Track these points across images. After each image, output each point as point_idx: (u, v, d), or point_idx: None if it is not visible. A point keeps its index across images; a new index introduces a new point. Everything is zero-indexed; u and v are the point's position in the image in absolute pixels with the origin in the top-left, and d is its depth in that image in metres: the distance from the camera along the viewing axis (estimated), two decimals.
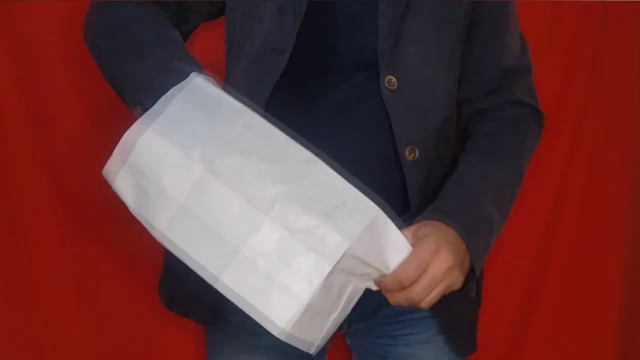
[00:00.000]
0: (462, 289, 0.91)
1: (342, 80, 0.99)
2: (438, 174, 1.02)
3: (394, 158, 0.99)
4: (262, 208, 0.80)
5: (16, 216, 1.33)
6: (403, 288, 0.85)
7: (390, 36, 0.96)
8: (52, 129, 1.32)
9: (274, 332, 0.81)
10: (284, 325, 0.81)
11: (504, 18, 1.09)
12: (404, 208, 0.98)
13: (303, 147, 0.82)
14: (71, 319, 1.37)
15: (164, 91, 0.84)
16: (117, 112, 1.31)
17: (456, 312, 1.10)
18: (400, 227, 0.84)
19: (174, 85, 0.84)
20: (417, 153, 0.99)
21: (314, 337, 0.85)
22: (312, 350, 0.86)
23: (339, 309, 0.85)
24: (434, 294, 0.86)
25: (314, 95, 0.99)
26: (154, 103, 0.84)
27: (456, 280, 0.88)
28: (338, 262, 0.79)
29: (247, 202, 0.80)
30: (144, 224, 0.86)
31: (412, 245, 0.85)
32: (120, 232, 1.35)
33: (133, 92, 0.90)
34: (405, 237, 0.85)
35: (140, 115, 0.85)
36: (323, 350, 1.19)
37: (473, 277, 0.93)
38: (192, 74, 0.85)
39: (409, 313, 1.10)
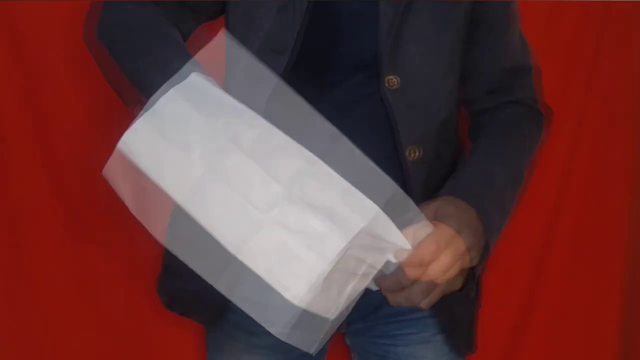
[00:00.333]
0: (472, 270, 0.92)
1: (343, 80, 0.99)
2: (438, 174, 1.02)
3: (394, 158, 0.99)
4: (261, 209, 0.81)
5: (16, 216, 1.33)
6: (403, 288, 0.85)
7: (390, 36, 0.96)
8: (52, 129, 1.32)
9: (289, 298, 0.82)
10: (297, 299, 0.82)
11: (505, 18, 1.09)
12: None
13: (302, 146, 0.82)
14: (71, 319, 1.37)
15: (163, 90, 0.84)
16: (117, 112, 1.31)
17: (456, 312, 1.10)
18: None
19: (172, 84, 0.84)
20: (418, 153, 0.99)
21: (313, 336, 0.86)
22: (312, 350, 0.87)
23: (339, 308, 0.86)
24: (434, 295, 0.86)
25: (314, 95, 0.99)
26: (152, 102, 0.84)
27: (455, 282, 0.89)
28: (337, 263, 0.80)
29: (247, 202, 0.81)
30: (143, 224, 0.86)
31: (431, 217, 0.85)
32: (120, 232, 1.35)
33: (132, 92, 0.90)
34: (426, 214, 0.85)
35: (139, 114, 0.85)
36: (322, 351, 1.19)
37: (483, 262, 0.93)
38: (192, 74, 0.85)
39: (408, 313, 1.10)
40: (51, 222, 1.34)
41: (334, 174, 0.81)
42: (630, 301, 1.43)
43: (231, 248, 0.83)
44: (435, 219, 0.86)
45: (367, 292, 1.03)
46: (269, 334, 1.12)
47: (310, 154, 0.81)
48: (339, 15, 0.99)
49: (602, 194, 1.40)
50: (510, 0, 1.09)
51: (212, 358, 1.20)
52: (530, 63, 1.13)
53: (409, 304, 0.86)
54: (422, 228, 0.84)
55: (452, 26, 1.02)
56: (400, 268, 0.84)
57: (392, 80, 0.97)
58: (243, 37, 1.02)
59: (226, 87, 0.87)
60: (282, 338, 0.85)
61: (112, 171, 0.86)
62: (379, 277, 0.86)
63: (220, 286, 0.85)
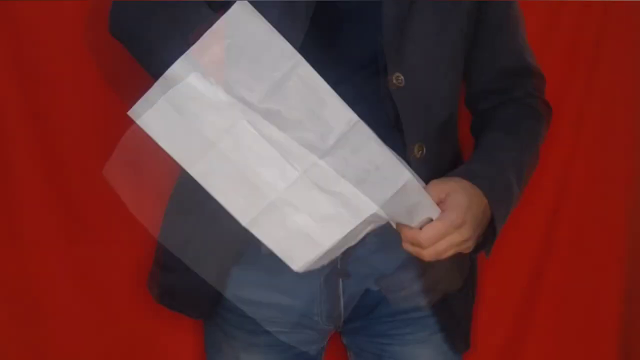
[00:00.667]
0: (475, 251, 0.97)
1: (346, 78, 0.99)
2: (440, 173, 1.02)
3: (399, 155, 0.99)
4: (296, 164, 0.85)
5: (16, 216, 1.33)
6: (419, 246, 0.89)
7: (395, 33, 0.97)
8: (52, 129, 1.32)
9: (293, 268, 0.91)
10: (298, 267, 0.91)
11: (508, 18, 1.11)
12: None
13: (344, 105, 0.84)
14: (71, 318, 1.37)
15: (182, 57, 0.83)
16: (118, 112, 1.31)
17: (455, 310, 1.10)
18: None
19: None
20: (422, 151, 1.00)
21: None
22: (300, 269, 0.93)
23: (347, 245, 0.92)
24: (442, 256, 0.91)
25: None
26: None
27: (467, 249, 0.93)
28: (362, 222, 0.87)
29: (281, 156, 0.85)
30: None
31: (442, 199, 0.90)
32: (120, 232, 1.35)
33: (177, 36, 0.88)
34: (437, 194, 0.90)
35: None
36: (321, 350, 1.20)
37: (492, 242, 0.98)
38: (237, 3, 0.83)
39: (405, 313, 1.10)
40: (51, 222, 1.34)
41: (350, 159, 0.84)
42: (630, 301, 1.43)
43: (241, 220, 0.88)
44: (445, 203, 0.90)
45: (363, 292, 1.04)
46: (267, 333, 1.13)
47: (353, 115, 0.83)
48: (343, 12, 0.99)
49: (601, 194, 1.40)
50: (512, 1, 1.10)
51: (211, 357, 1.21)
52: (532, 63, 1.14)
53: (415, 253, 0.91)
54: (430, 211, 0.88)
55: (454, 26, 1.03)
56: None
57: (399, 78, 0.98)
58: None
59: None
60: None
61: (143, 107, 0.85)
62: (402, 226, 0.90)
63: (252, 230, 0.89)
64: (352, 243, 0.93)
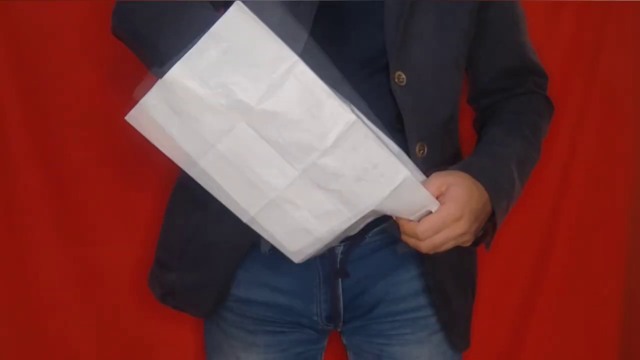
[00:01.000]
0: (474, 244, 0.98)
1: (348, 76, 0.99)
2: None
3: None
4: (295, 164, 0.86)
5: (16, 216, 1.33)
6: (416, 238, 0.90)
7: (397, 32, 0.97)
8: (52, 129, 1.32)
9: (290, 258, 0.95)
10: (298, 260, 0.95)
11: (512, 18, 1.11)
12: None
13: (344, 102, 0.85)
14: (71, 318, 1.38)
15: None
16: (118, 112, 1.31)
17: (454, 309, 1.11)
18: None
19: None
20: (426, 149, 1.00)
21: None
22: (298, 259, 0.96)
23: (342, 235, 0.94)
24: (440, 249, 0.92)
25: None
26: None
27: (465, 243, 0.94)
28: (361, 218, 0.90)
29: (281, 156, 0.86)
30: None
31: (442, 192, 0.91)
32: (120, 232, 1.35)
33: (179, 36, 0.88)
34: (437, 187, 0.90)
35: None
36: (321, 349, 1.20)
37: (492, 234, 0.99)
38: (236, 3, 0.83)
39: (404, 313, 1.10)
40: (51, 222, 1.34)
41: (349, 157, 0.85)
42: (630, 301, 1.43)
43: (242, 217, 0.91)
44: (445, 196, 0.90)
45: (363, 292, 1.05)
46: (267, 333, 1.13)
47: (350, 115, 0.84)
48: (345, 11, 0.99)
49: (602, 194, 1.40)
50: (514, 1, 1.10)
51: (210, 356, 1.21)
52: (535, 62, 1.15)
53: (413, 245, 0.93)
54: (429, 205, 0.89)
55: (456, 25, 1.03)
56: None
57: (402, 76, 0.98)
58: None
59: None
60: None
61: (146, 89, 0.86)
62: (400, 219, 0.91)
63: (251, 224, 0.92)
64: (352, 233, 0.95)
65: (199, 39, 0.82)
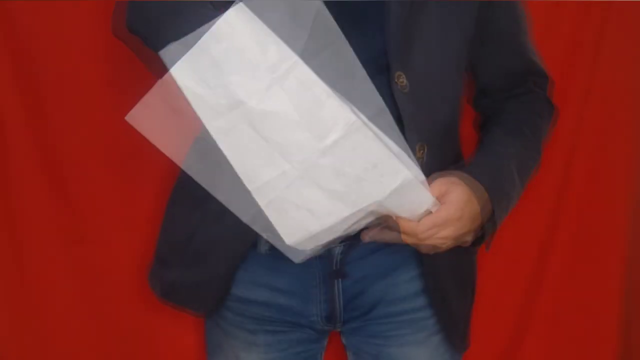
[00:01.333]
0: (474, 245, 0.99)
1: None
2: None
3: None
4: (296, 163, 0.86)
5: (16, 216, 1.33)
6: (416, 238, 0.91)
7: (399, 34, 0.97)
8: (52, 129, 1.32)
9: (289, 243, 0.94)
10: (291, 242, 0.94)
11: (515, 20, 1.11)
12: None
13: (342, 105, 0.84)
14: (71, 319, 1.37)
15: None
16: (117, 112, 1.31)
17: (454, 310, 1.11)
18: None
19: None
20: (426, 151, 1.00)
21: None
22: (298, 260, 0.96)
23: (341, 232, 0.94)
24: (439, 249, 0.94)
25: None
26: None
27: (464, 243, 0.96)
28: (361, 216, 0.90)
29: (281, 156, 0.86)
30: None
31: (443, 192, 0.92)
32: (120, 232, 1.35)
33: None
34: (438, 188, 0.91)
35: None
36: (321, 349, 1.20)
37: (491, 236, 1.00)
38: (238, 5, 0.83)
39: (402, 314, 1.10)
40: (51, 222, 1.34)
41: (371, 142, 0.85)
42: (630, 301, 1.43)
43: (248, 184, 0.89)
44: (445, 197, 0.91)
45: (361, 293, 1.04)
46: (267, 332, 1.13)
47: (350, 115, 0.84)
48: (347, 12, 0.99)
49: (602, 194, 1.40)
50: (516, 2, 1.10)
51: (211, 355, 1.21)
52: (538, 64, 1.15)
53: (412, 244, 0.94)
54: (429, 205, 0.91)
55: (458, 28, 1.03)
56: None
57: (400, 78, 0.98)
58: None
59: None
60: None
61: (138, 116, 0.87)
62: (399, 219, 0.91)
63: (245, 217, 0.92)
64: (352, 233, 0.95)
65: (199, 38, 0.82)
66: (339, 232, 0.93)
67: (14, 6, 1.25)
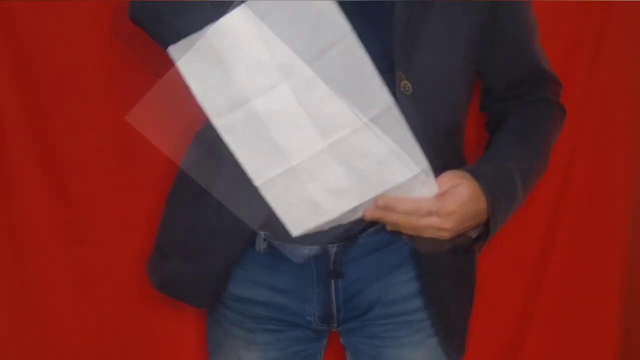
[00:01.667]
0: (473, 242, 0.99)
1: None
2: None
3: None
4: (325, 136, 0.86)
5: (16, 217, 1.33)
6: (415, 223, 0.91)
7: (405, 39, 0.96)
8: (52, 129, 1.32)
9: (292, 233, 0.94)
10: (297, 233, 0.94)
11: (522, 26, 1.10)
12: None
13: (383, 87, 0.84)
14: (71, 319, 1.38)
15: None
16: (117, 112, 1.31)
17: (451, 314, 1.10)
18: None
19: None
20: (427, 154, 1.00)
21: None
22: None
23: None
24: (419, 233, 0.94)
25: None
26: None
27: (441, 237, 0.95)
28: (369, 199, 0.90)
29: (313, 125, 0.85)
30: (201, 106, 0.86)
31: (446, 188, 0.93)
32: (120, 232, 1.35)
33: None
34: (445, 184, 0.92)
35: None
36: (320, 348, 1.20)
37: (484, 240, 0.99)
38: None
39: (399, 315, 1.10)
40: (51, 223, 1.34)
41: (376, 139, 0.85)
42: (630, 301, 1.43)
43: (255, 179, 0.89)
44: (451, 189, 0.92)
45: (358, 293, 1.04)
46: (266, 331, 1.13)
47: (362, 115, 0.84)
48: (351, 13, 0.99)
49: (602, 194, 1.40)
50: (525, 7, 1.10)
51: (212, 354, 1.21)
52: (547, 69, 1.14)
53: (391, 225, 0.94)
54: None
55: (464, 35, 1.02)
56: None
57: (406, 86, 0.97)
58: None
59: None
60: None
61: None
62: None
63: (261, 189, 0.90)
64: (351, 219, 0.95)
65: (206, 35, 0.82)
66: (343, 221, 0.93)
67: (14, 6, 1.26)
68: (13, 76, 1.28)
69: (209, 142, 1.06)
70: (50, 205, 1.33)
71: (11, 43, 1.27)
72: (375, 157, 0.87)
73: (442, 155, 1.01)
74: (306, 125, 0.85)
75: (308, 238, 0.97)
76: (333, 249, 1.06)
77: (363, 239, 1.07)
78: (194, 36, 0.83)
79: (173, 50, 0.84)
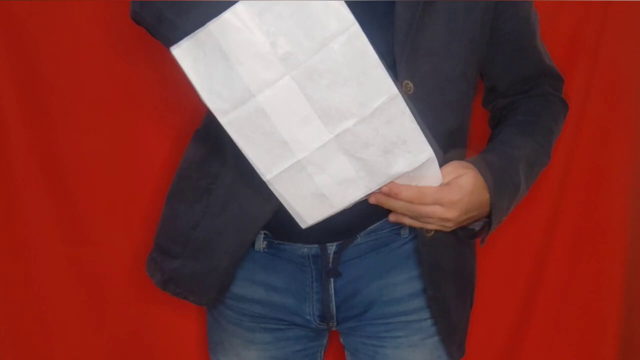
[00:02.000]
0: (470, 237, 1.01)
1: None
2: None
3: None
4: (331, 127, 0.86)
5: (16, 216, 1.33)
6: (417, 211, 0.93)
7: (407, 39, 0.96)
8: (52, 129, 1.32)
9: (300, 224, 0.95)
10: (306, 225, 0.94)
11: (524, 25, 1.10)
12: None
13: (388, 76, 0.84)
14: (71, 319, 1.38)
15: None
16: (118, 112, 1.31)
17: (451, 315, 1.10)
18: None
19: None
20: None
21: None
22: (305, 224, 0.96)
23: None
24: (421, 220, 0.95)
25: None
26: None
27: (445, 228, 0.97)
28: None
29: (318, 117, 0.86)
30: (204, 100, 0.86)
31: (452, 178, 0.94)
32: (120, 232, 1.35)
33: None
34: (451, 174, 0.93)
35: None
36: (320, 347, 1.20)
37: (487, 231, 1.00)
38: None
39: (397, 315, 1.10)
40: (51, 222, 1.34)
41: (381, 128, 0.86)
42: (630, 301, 1.43)
43: (264, 175, 0.89)
44: (455, 179, 0.93)
45: (356, 293, 1.04)
46: (265, 330, 1.13)
47: (367, 106, 0.85)
48: (353, 14, 0.99)
49: (602, 194, 1.40)
50: (528, 7, 1.10)
51: (213, 353, 1.21)
52: (551, 66, 1.14)
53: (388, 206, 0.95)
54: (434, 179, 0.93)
55: (466, 36, 1.02)
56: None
57: (407, 86, 0.97)
58: None
59: None
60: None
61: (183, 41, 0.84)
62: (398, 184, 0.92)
63: (270, 183, 0.91)
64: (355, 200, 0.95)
65: (208, 33, 0.81)
66: (352, 201, 0.93)
67: (14, 6, 1.26)
68: (13, 76, 1.28)
69: (210, 140, 1.06)
70: (50, 205, 1.33)
71: (11, 43, 1.27)
72: (381, 147, 0.87)
73: (444, 154, 1.02)
74: (311, 117, 0.86)
75: (307, 237, 0.97)
76: (332, 248, 1.06)
77: (361, 238, 1.07)
78: (195, 34, 0.83)
79: (175, 49, 0.84)
